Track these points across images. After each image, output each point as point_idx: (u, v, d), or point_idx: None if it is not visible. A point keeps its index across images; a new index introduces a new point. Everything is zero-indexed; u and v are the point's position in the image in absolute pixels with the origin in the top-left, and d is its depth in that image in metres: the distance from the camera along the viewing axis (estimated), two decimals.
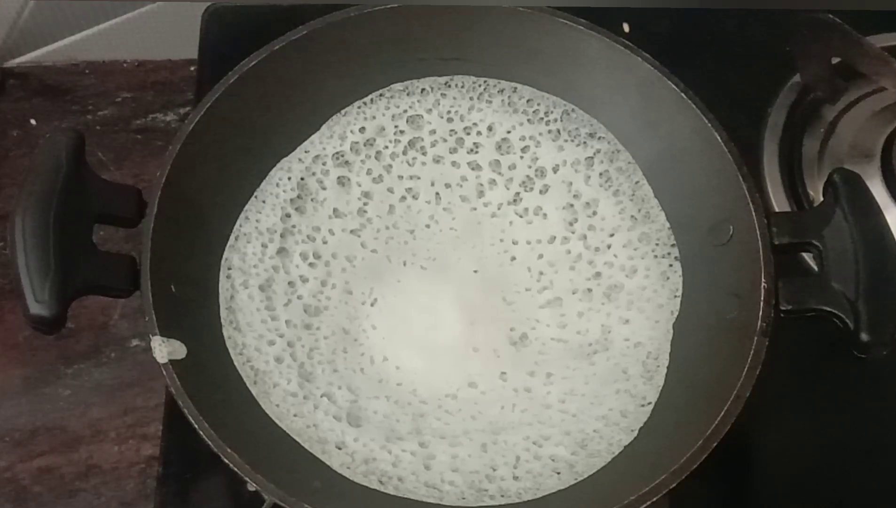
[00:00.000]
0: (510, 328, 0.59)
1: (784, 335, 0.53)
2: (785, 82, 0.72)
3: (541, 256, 0.60)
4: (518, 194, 0.62)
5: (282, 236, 0.59)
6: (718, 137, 0.57)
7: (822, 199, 0.56)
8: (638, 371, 0.57)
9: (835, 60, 0.70)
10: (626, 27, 0.71)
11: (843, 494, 0.61)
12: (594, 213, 0.61)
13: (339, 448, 0.54)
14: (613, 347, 0.58)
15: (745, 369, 0.51)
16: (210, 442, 0.49)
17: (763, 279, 0.53)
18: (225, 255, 0.58)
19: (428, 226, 0.61)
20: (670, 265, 0.59)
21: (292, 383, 0.56)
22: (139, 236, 0.53)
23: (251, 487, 0.49)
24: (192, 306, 0.55)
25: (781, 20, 0.70)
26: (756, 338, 0.52)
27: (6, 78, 0.80)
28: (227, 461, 0.49)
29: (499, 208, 0.62)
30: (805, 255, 0.64)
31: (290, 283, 0.59)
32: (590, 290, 0.59)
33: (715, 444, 0.50)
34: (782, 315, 0.53)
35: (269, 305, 0.58)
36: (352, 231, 0.60)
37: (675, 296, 0.58)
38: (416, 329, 0.58)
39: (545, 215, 0.61)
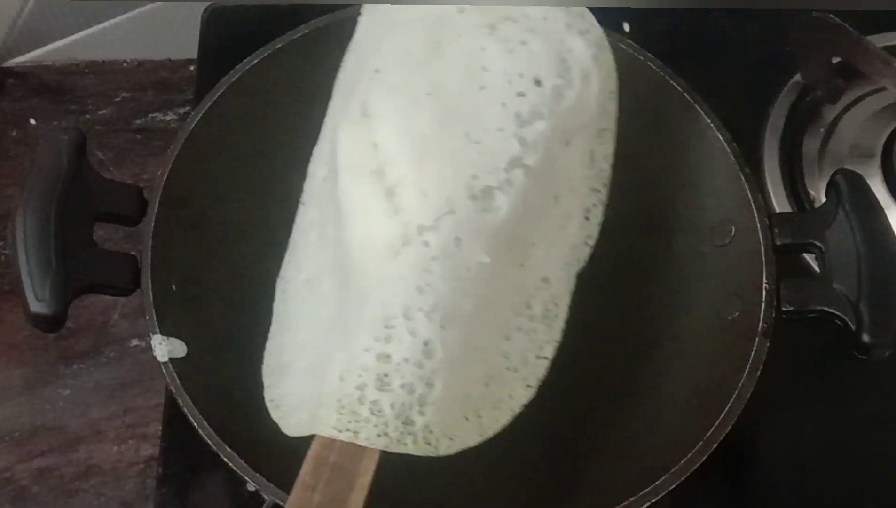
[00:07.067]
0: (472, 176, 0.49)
1: (785, 336, 0.53)
2: (785, 82, 0.72)
3: None
4: None
5: None
6: (721, 138, 0.57)
7: (822, 199, 0.56)
8: (540, 311, 0.52)
9: (835, 60, 0.70)
10: (626, 27, 0.70)
11: (844, 495, 0.61)
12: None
13: None
14: None
15: (746, 370, 0.51)
16: (210, 441, 0.49)
17: (764, 280, 0.53)
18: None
19: None
20: (594, 204, 0.55)
21: None
22: (140, 234, 0.53)
23: (251, 487, 0.49)
24: (193, 305, 0.55)
25: (781, 20, 0.70)
26: (757, 339, 0.52)
27: (6, 78, 0.80)
28: (226, 460, 0.49)
29: None
30: (807, 256, 0.64)
31: None
32: None
33: (715, 445, 0.49)
34: (784, 316, 0.53)
35: None
36: None
37: (587, 243, 0.54)
38: None
39: None
